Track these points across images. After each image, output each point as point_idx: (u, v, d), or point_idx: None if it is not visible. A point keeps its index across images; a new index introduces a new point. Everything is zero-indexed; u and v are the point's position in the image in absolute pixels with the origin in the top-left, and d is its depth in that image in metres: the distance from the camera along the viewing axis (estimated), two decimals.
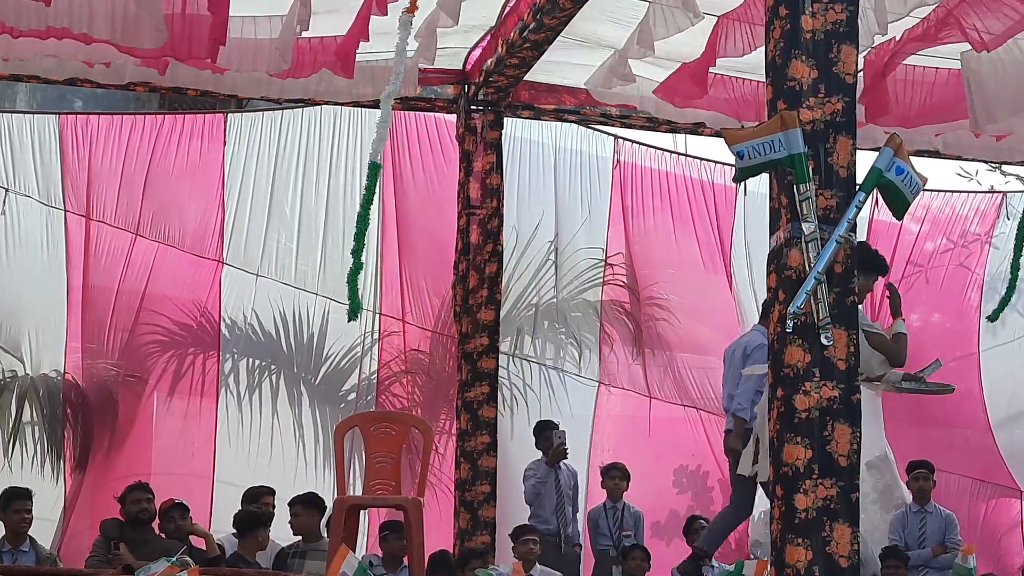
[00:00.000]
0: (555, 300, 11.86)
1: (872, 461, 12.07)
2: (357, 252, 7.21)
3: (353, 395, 11.27)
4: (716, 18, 8.94)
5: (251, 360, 11.15)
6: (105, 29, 8.14)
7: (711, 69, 9.28)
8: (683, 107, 9.88)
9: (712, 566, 10.23)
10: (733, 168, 6.07)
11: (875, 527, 11.47)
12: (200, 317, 11.07)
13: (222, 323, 11.10)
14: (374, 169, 7.13)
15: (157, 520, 9.01)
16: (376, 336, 11.35)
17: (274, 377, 11.19)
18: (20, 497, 8.80)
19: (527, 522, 10.30)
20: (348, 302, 7.27)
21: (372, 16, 8.24)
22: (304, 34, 8.73)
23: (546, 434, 10.62)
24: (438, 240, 11.18)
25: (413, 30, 7.63)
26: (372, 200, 7.19)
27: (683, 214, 12.23)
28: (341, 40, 8.96)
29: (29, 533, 8.78)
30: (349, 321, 7.37)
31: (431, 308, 11.47)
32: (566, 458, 10.59)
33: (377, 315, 11.36)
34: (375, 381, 11.35)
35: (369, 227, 11.03)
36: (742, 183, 11.72)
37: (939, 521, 10.53)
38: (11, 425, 10.60)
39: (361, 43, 8.67)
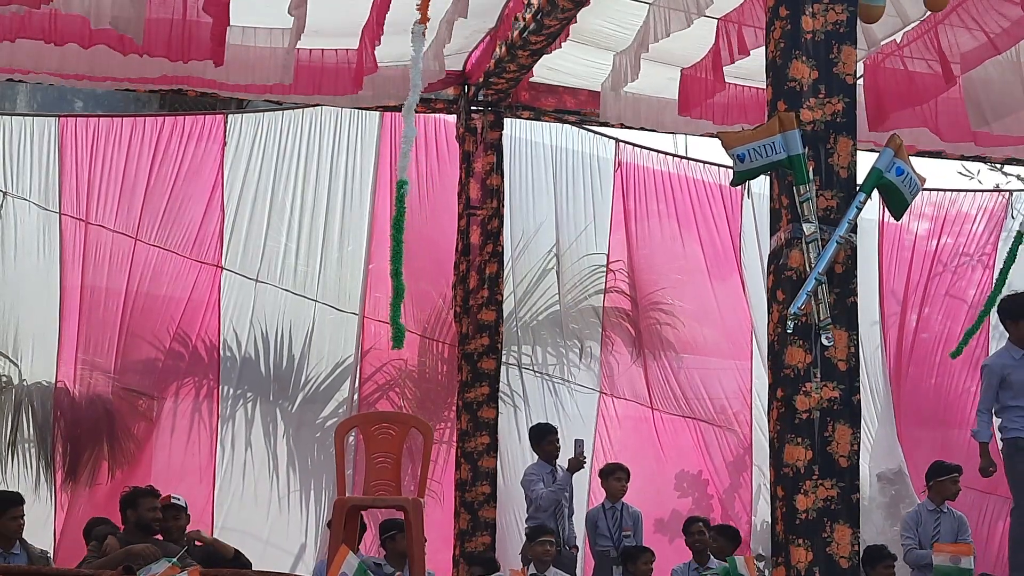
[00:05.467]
0: (558, 307, 11.78)
1: (884, 473, 12.05)
2: (397, 274, 6.67)
3: (333, 420, 11.03)
4: (716, 21, 8.96)
5: (227, 388, 11.04)
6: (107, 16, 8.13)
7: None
8: (697, 117, 9.89)
9: (710, 567, 10.23)
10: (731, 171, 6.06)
11: (880, 532, 11.46)
12: (196, 336, 10.97)
13: (220, 344, 11.00)
14: (401, 187, 6.82)
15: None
16: (358, 347, 11.20)
17: (249, 406, 11.08)
18: (14, 503, 8.71)
19: (526, 523, 10.28)
20: (392, 327, 6.81)
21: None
22: (305, 45, 8.79)
23: (549, 438, 10.54)
24: (431, 243, 11.14)
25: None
26: (403, 220, 6.81)
27: (687, 217, 12.15)
28: (352, 63, 9.07)
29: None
30: (394, 348, 6.96)
31: (422, 313, 11.38)
32: (583, 467, 10.49)
33: (361, 319, 11.26)
34: (358, 400, 11.21)
35: (365, 230, 11.32)
36: (746, 185, 11.85)
37: (952, 521, 10.45)
38: (7, 434, 10.50)
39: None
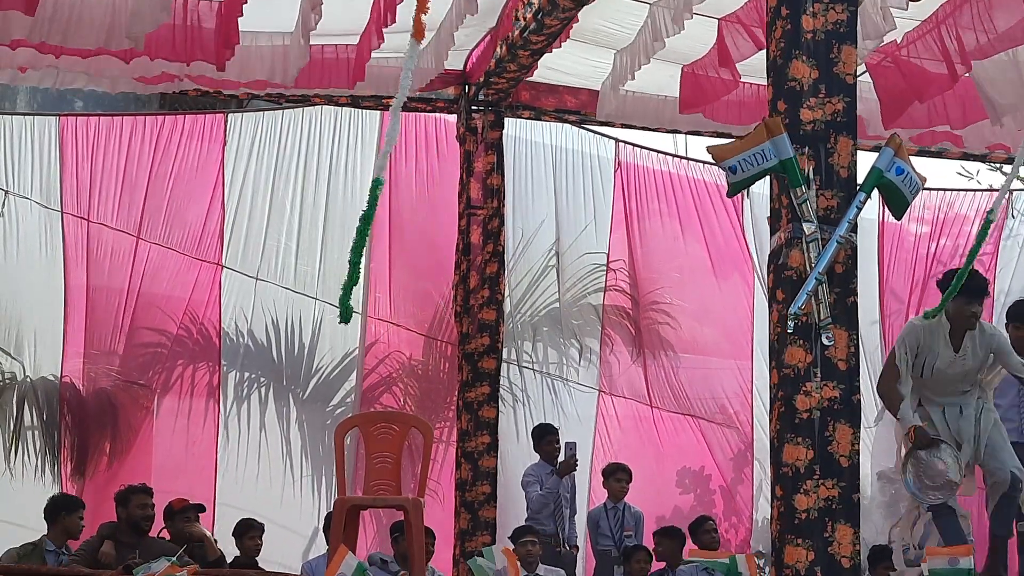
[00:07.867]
0: (557, 305, 11.77)
1: (884, 472, 12.02)
2: (354, 264, 6.80)
3: (341, 409, 11.09)
4: (716, 20, 8.97)
5: (239, 373, 11.04)
6: (99, 38, 8.17)
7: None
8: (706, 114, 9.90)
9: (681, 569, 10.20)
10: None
11: (880, 532, 11.45)
12: (200, 323, 10.97)
13: (222, 332, 11.00)
14: (376, 186, 6.84)
15: (164, 519, 8.90)
16: (361, 344, 11.19)
17: (263, 390, 11.10)
18: (81, 505, 8.92)
19: (524, 523, 10.27)
20: (340, 306, 6.92)
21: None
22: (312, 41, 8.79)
23: (548, 438, 10.51)
24: (431, 242, 11.14)
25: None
26: (372, 216, 6.85)
27: (687, 217, 12.14)
28: (352, 56, 9.06)
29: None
30: (341, 323, 7.09)
31: (423, 312, 11.36)
32: (575, 470, 10.46)
33: (365, 318, 11.24)
34: (361, 393, 11.21)
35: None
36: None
37: None
38: (11, 429, 10.52)
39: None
